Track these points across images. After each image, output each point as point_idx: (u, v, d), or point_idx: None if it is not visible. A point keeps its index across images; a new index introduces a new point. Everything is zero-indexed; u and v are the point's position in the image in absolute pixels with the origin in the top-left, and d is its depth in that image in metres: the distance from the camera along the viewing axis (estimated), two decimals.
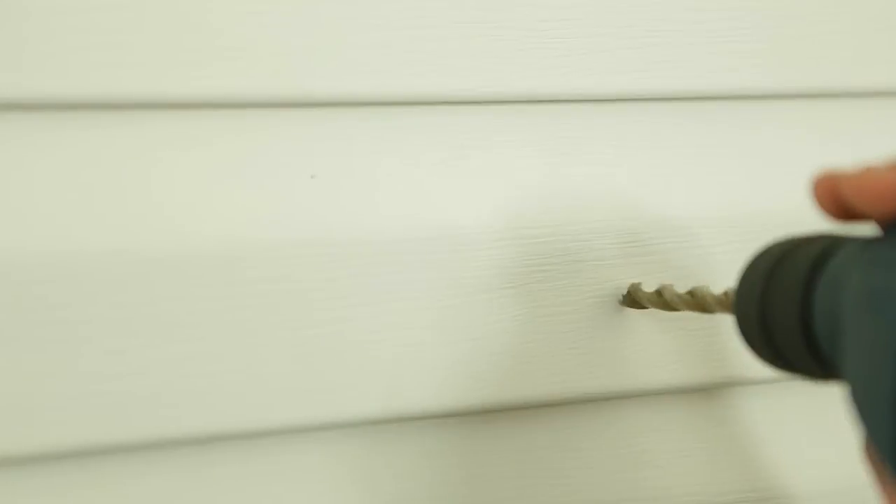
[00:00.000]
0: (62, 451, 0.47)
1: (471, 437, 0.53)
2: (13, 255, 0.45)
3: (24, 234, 0.46)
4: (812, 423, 0.59)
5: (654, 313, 0.54)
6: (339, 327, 0.50)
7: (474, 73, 0.51)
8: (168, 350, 0.47)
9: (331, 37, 0.49)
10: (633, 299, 0.54)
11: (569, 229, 0.53)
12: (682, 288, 0.52)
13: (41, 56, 0.45)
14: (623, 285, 0.54)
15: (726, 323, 0.51)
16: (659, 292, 0.52)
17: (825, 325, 0.40)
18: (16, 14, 0.45)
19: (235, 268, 0.48)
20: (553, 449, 0.55)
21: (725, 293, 0.48)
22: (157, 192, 0.47)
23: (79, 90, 0.46)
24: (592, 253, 0.53)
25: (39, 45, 0.45)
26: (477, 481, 0.53)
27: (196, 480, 0.49)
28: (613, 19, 0.53)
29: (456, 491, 0.53)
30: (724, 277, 0.51)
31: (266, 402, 0.49)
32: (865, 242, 0.39)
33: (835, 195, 0.38)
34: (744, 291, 0.45)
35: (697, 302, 0.50)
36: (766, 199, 0.56)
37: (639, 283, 0.53)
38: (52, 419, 0.46)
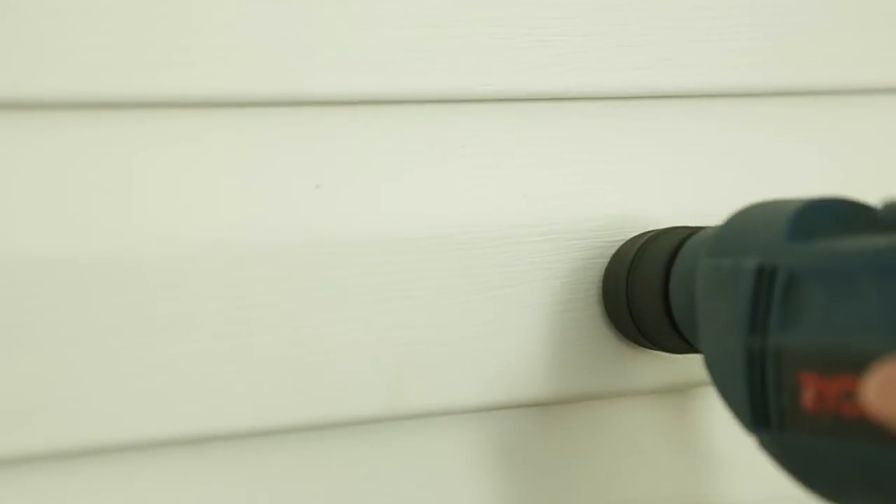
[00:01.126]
0: (62, 451, 0.46)
1: (474, 436, 0.53)
2: (10, 256, 0.45)
3: (21, 234, 0.45)
4: None
5: None
6: (340, 327, 0.49)
7: (474, 72, 0.51)
8: (168, 350, 0.47)
9: (330, 36, 0.49)
10: None
11: (570, 227, 0.53)
12: None
13: (33, 56, 0.45)
14: None
15: None
16: None
17: (680, 301, 0.48)
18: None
19: (235, 268, 0.48)
20: (553, 449, 0.55)
21: None
22: (156, 191, 0.47)
23: (76, 90, 0.46)
24: (594, 251, 0.53)
25: (29, 45, 0.45)
26: (479, 480, 0.53)
27: (195, 480, 0.49)
28: (614, 17, 0.53)
29: (455, 490, 0.53)
30: None
31: (268, 402, 0.49)
32: (712, 231, 0.47)
33: None
34: (611, 275, 0.52)
35: None
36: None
37: None
38: (51, 420, 0.46)
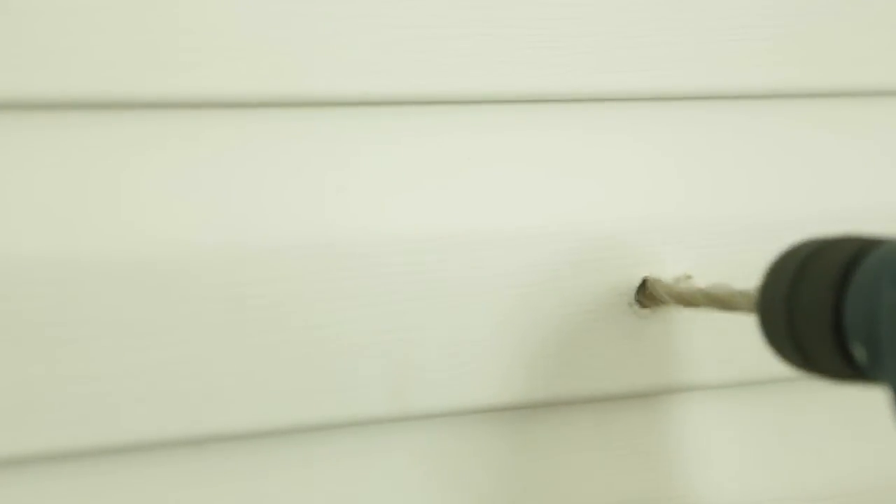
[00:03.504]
0: (61, 451, 0.46)
1: (479, 436, 0.53)
2: (9, 256, 0.45)
3: (21, 235, 0.45)
4: (834, 420, 0.59)
5: (670, 312, 0.53)
6: (342, 329, 0.49)
7: (481, 73, 0.51)
8: (166, 351, 0.47)
9: (330, 36, 0.49)
10: (650, 294, 0.53)
11: (580, 230, 0.53)
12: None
13: (31, 56, 0.45)
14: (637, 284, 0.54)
15: (740, 322, 0.50)
16: (678, 287, 0.52)
17: (859, 330, 0.41)
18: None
19: (239, 269, 0.48)
20: (557, 449, 0.55)
21: (749, 291, 0.48)
22: (156, 192, 0.47)
23: (76, 90, 0.46)
24: (604, 253, 0.53)
25: (28, 45, 0.45)
26: (482, 480, 0.53)
27: (195, 481, 0.49)
28: (621, 17, 0.53)
29: (456, 491, 0.53)
30: (744, 278, 0.50)
31: (270, 403, 0.49)
32: (894, 252, 0.41)
33: None
34: (769, 290, 0.45)
35: (719, 298, 0.50)
36: (780, 200, 0.56)
37: (657, 278, 0.53)
38: (48, 421, 0.46)
